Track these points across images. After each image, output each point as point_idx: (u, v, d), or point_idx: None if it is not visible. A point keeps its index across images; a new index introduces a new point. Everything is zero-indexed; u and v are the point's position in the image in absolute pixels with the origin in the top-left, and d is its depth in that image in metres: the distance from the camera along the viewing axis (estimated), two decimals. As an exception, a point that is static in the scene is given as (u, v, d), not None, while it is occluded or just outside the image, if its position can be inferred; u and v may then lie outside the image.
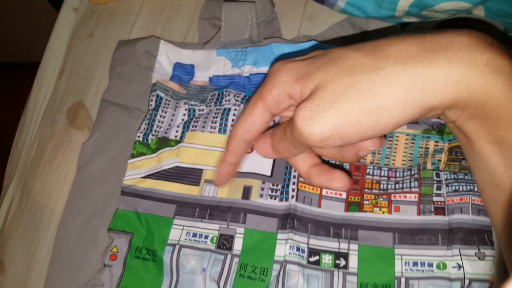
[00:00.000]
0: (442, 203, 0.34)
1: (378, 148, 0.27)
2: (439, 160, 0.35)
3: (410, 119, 0.22)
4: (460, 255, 0.32)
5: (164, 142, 0.40)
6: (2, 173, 0.48)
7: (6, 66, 1.46)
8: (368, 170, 0.37)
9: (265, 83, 0.26)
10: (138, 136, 0.41)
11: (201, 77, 0.44)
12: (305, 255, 0.34)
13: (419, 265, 0.32)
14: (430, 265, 0.32)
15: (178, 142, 0.40)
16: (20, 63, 1.42)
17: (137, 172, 0.39)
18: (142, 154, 0.40)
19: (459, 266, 0.31)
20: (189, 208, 0.37)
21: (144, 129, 0.41)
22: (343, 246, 0.34)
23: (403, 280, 0.32)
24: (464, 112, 0.22)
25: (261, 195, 0.37)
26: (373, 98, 0.21)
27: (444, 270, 0.32)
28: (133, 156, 0.40)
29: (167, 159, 0.39)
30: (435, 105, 0.22)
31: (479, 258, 0.32)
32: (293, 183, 0.36)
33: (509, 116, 0.21)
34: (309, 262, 0.34)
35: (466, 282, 0.31)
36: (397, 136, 0.37)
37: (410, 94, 0.21)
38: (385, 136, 0.36)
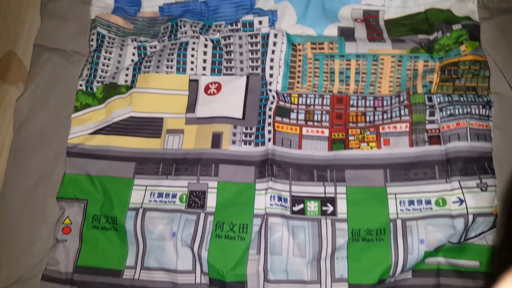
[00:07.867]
0: (437, 131, 0.30)
1: None
2: (431, 82, 0.31)
3: None
4: (461, 187, 0.28)
5: (112, 89, 0.34)
6: None
7: None
8: (351, 101, 0.32)
9: None
10: (80, 85, 0.34)
11: (149, 7, 0.37)
12: (288, 204, 0.30)
13: (415, 203, 0.29)
14: (428, 202, 0.28)
15: (129, 87, 0.34)
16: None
17: (83, 128, 0.33)
18: (88, 105, 0.34)
19: (461, 201, 0.28)
20: (151, 165, 0.32)
21: (87, 75, 0.34)
22: (329, 190, 0.30)
23: (399, 222, 0.28)
24: None
25: (234, 142, 0.32)
26: None
27: (444, 207, 0.28)
28: (76, 109, 0.34)
29: (119, 108, 0.33)
30: None
31: (481, 189, 0.28)
32: (269, 124, 0.31)
33: None
34: (293, 212, 0.30)
35: (470, 218, 0.27)
36: (382, 59, 0.32)
37: None
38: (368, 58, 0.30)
